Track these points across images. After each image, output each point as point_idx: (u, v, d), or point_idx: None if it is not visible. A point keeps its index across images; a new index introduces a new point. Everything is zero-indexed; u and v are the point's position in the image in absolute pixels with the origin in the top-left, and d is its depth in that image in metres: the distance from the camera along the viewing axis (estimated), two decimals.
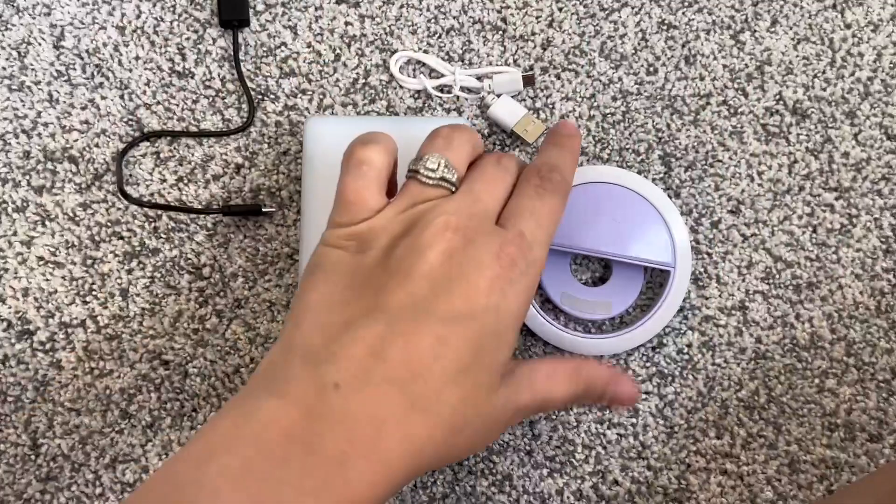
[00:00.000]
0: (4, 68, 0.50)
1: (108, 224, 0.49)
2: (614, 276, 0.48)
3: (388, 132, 0.48)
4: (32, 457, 0.47)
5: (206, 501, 0.29)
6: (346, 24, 0.52)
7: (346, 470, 0.31)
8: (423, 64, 0.52)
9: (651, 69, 0.52)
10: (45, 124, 0.50)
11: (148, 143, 0.50)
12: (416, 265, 0.34)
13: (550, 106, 0.51)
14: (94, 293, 0.49)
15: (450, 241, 0.35)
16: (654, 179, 0.50)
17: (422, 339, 0.33)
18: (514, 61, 0.52)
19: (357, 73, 0.51)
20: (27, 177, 0.49)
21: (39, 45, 0.51)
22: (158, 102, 0.51)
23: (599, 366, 0.39)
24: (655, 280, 0.50)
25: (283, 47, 0.51)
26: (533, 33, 0.52)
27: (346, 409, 0.32)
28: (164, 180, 0.50)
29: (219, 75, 0.51)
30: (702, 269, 0.50)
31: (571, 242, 0.46)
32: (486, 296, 0.34)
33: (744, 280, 0.50)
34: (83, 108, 0.50)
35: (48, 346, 0.48)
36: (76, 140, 0.50)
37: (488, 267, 0.35)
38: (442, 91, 0.51)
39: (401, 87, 0.51)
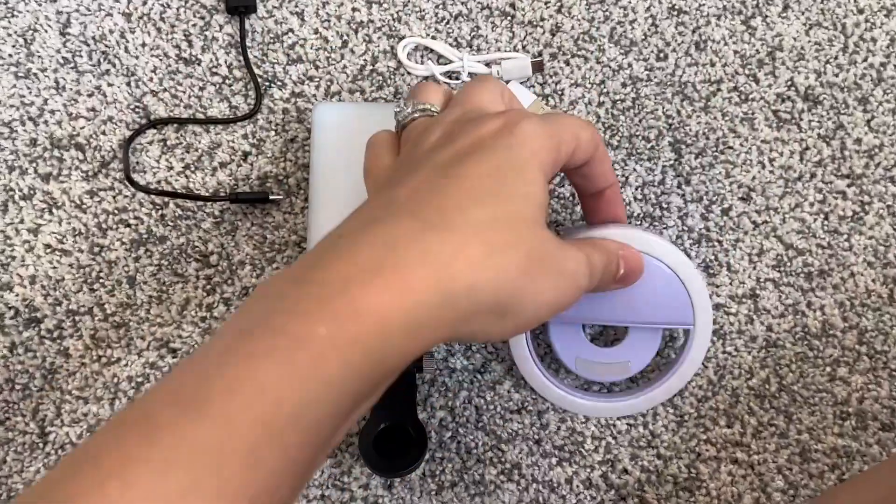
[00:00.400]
0: (11, 55, 0.50)
1: (115, 212, 0.49)
2: (630, 336, 0.45)
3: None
4: (41, 445, 0.47)
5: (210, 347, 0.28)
6: (354, 10, 0.51)
7: (350, 291, 0.28)
8: (431, 50, 0.51)
9: (661, 55, 0.51)
10: (52, 112, 0.50)
11: (155, 131, 0.50)
12: (424, 153, 0.34)
13: (560, 92, 0.51)
14: (101, 281, 0.49)
15: (447, 125, 0.35)
16: (663, 167, 0.50)
17: (431, 178, 0.32)
18: (523, 47, 0.51)
19: (364, 60, 0.51)
20: (34, 164, 0.49)
21: (46, 31, 0.51)
22: (165, 89, 0.50)
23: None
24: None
25: (290, 34, 0.51)
26: (542, 19, 0.51)
27: (353, 243, 0.29)
28: (171, 168, 0.50)
29: (225, 62, 0.51)
30: (712, 257, 0.49)
31: (584, 315, 0.43)
32: (492, 137, 0.33)
33: (755, 268, 0.49)
34: (90, 96, 0.50)
35: (56, 333, 0.48)
36: (83, 127, 0.50)
37: (490, 121, 0.34)
38: (450, 77, 0.51)
39: (409, 73, 0.51)
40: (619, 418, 0.47)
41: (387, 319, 0.27)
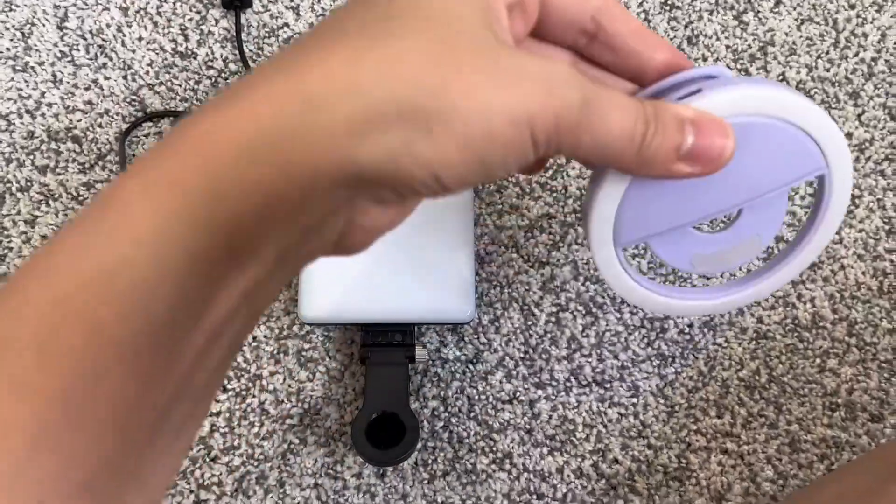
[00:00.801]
0: (8, 49, 0.51)
1: None
2: (747, 207, 0.34)
3: None
4: None
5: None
6: None
7: (175, 134, 0.23)
8: None
9: None
10: (49, 104, 0.50)
11: (151, 124, 0.50)
12: None
13: None
14: None
15: None
16: None
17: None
18: None
19: None
20: (31, 157, 0.50)
21: (43, 25, 0.51)
22: (161, 83, 0.51)
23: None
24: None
25: (285, 28, 0.51)
26: None
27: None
28: None
29: (221, 56, 0.51)
30: None
31: (679, 215, 0.32)
32: None
33: None
34: (86, 89, 0.51)
35: None
36: (79, 120, 0.50)
37: None
38: None
39: None
40: (609, 406, 0.48)
41: (215, 148, 0.21)
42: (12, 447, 0.20)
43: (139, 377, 0.21)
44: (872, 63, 0.52)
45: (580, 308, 0.49)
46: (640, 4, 0.52)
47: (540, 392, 0.48)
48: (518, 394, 0.48)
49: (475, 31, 0.24)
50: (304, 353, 0.48)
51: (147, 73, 0.51)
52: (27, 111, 0.50)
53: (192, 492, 0.46)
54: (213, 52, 0.51)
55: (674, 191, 0.31)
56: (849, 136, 0.51)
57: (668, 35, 0.52)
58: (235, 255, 0.22)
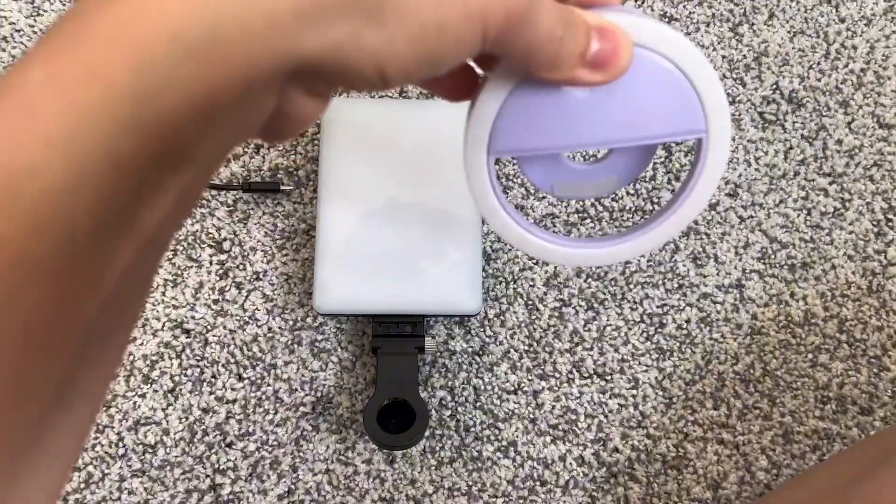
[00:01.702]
0: None
1: None
2: (619, 149, 0.34)
3: (402, 116, 0.50)
4: None
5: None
6: None
7: (87, 14, 0.19)
8: None
9: None
10: None
11: None
12: None
13: None
14: None
15: None
16: (654, 164, 0.53)
17: None
18: None
19: None
20: None
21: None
22: None
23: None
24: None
25: None
26: None
27: None
28: None
29: None
30: (700, 249, 0.52)
31: (556, 139, 0.32)
32: None
33: (741, 259, 0.52)
34: None
35: None
36: None
37: None
38: None
39: None
40: (609, 397, 0.50)
41: (141, 35, 0.19)
42: None
43: (60, 292, 0.19)
44: (862, 73, 0.54)
45: (582, 303, 0.51)
46: None
47: (543, 383, 0.50)
48: (522, 385, 0.50)
49: None
50: (317, 344, 0.50)
51: None
52: None
53: (207, 476, 0.48)
54: None
55: (554, 112, 0.31)
56: (839, 142, 0.53)
57: None
58: (167, 159, 0.20)
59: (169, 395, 0.50)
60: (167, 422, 0.49)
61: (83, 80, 0.18)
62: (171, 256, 0.51)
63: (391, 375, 0.47)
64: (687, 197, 0.34)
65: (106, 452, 0.49)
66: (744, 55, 0.54)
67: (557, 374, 0.50)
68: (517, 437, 0.49)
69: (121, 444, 0.49)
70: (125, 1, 0.19)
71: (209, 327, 0.50)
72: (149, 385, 0.50)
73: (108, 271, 0.20)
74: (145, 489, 0.48)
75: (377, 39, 0.21)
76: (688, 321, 0.51)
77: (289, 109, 0.23)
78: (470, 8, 0.22)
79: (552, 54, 0.26)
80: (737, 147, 0.53)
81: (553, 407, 0.50)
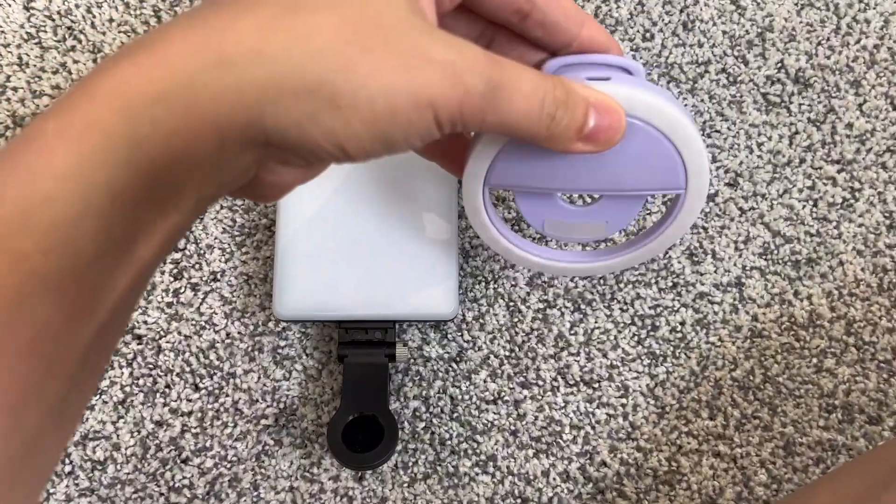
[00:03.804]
0: None
1: None
2: (608, 197, 0.38)
3: None
4: None
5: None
6: None
7: (87, 80, 0.23)
8: None
9: (647, 35, 0.50)
10: (15, 89, 0.48)
11: None
12: None
13: None
14: None
15: None
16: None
17: None
18: None
19: None
20: None
21: (9, 6, 0.49)
22: None
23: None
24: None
25: None
26: None
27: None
28: None
29: None
30: (697, 244, 0.48)
31: (550, 181, 0.36)
32: None
33: (740, 255, 0.48)
34: (54, 73, 0.48)
35: None
36: (46, 105, 0.48)
37: None
38: None
39: None
40: (597, 407, 0.46)
41: (131, 94, 0.22)
42: None
43: (64, 310, 0.22)
44: (875, 50, 0.50)
45: (568, 304, 0.47)
46: None
47: (526, 392, 0.46)
48: (503, 394, 0.46)
49: (392, 10, 0.25)
50: (279, 351, 0.46)
51: None
52: None
53: (161, 494, 0.44)
54: None
55: (551, 159, 0.34)
56: (849, 126, 0.49)
57: (663, 20, 0.49)
58: (157, 199, 0.23)
59: (119, 406, 0.46)
60: (117, 436, 0.45)
61: (86, 128, 0.22)
62: None
63: (358, 387, 0.43)
64: (657, 235, 0.39)
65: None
66: (746, 31, 0.50)
67: (541, 382, 0.46)
68: (497, 450, 0.46)
69: (67, 461, 0.45)
70: (120, 70, 0.23)
71: (162, 333, 0.46)
72: (97, 396, 0.46)
73: (105, 298, 0.23)
74: None
75: (335, 122, 0.24)
76: (682, 323, 0.47)
77: (268, 177, 0.27)
78: (418, 98, 0.25)
79: (543, 131, 0.29)
80: (738, 132, 0.49)
81: (536, 418, 0.46)
